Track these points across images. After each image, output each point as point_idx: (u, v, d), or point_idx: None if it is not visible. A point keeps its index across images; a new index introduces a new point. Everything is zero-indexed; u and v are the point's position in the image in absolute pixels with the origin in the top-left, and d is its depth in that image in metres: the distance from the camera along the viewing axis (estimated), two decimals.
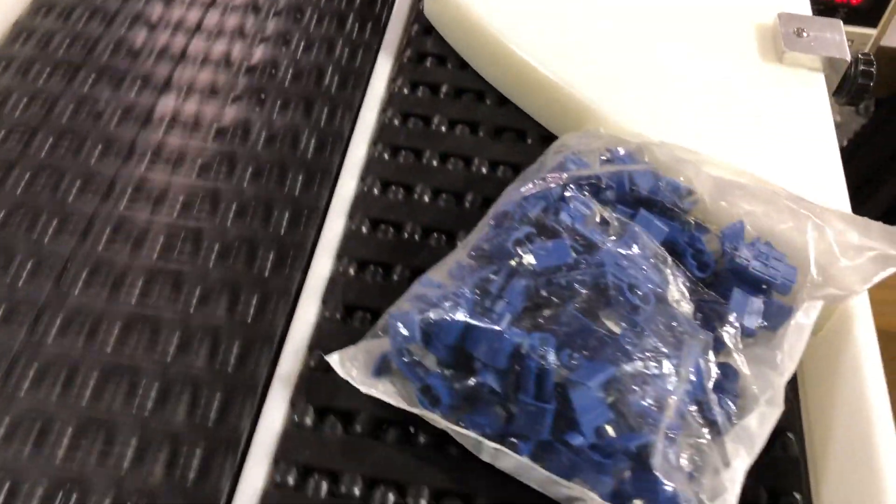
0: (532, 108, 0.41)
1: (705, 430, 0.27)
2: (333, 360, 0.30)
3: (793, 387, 0.32)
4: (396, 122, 0.41)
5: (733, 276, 0.30)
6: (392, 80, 0.44)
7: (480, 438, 0.28)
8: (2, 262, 0.36)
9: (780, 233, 0.32)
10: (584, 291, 0.28)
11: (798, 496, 0.29)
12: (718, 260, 0.31)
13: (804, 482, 0.30)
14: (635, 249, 0.30)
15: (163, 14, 0.48)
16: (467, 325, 0.28)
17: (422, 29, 0.46)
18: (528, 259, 0.30)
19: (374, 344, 0.30)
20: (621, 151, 0.34)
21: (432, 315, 0.29)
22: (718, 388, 0.28)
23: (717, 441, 0.27)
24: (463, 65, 0.44)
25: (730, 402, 0.28)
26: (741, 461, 0.27)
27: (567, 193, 0.32)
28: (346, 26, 0.48)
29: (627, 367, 0.27)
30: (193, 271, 0.36)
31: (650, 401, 0.27)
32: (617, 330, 0.28)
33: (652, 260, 0.30)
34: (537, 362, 0.27)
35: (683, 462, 0.26)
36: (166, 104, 0.43)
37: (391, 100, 0.42)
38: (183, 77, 0.45)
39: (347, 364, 0.30)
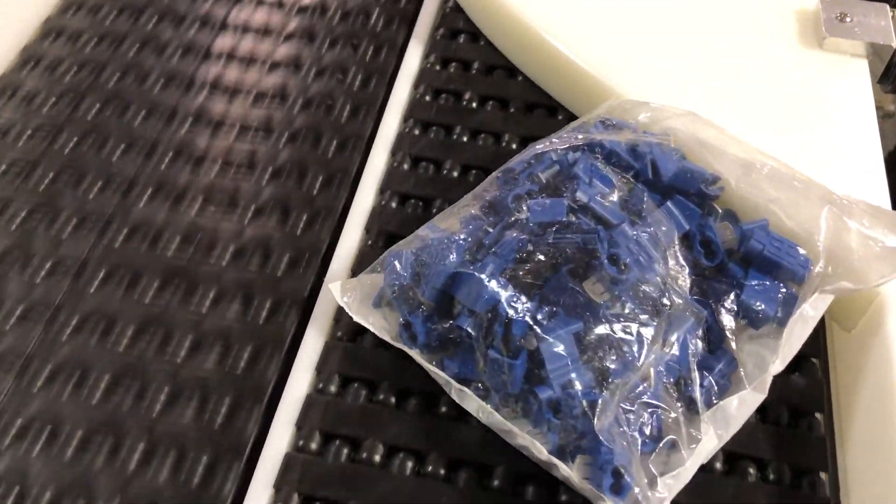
0: (563, 95, 0.41)
1: (678, 405, 0.27)
2: (335, 287, 0.32)
3: (823, 369, 0.32)
4: (428, 97, 0.41)
5: (746, 261, 0.30)
6: (425, 57, 0.44)
7: (449, 378, 0.28)
8: (21, 261, 0.36)
9: (804, 221, 0.30)
10: (569, 252, 0.29)
11: (823, 475, 0.29)
12: (733, 249, 0.30)
13: (831, 462, 0.30)
14: (644, 236, 0.30)
15: None
16: (455, 270, 0.29)
17: (456, 5, 0.46)
18: (525, 213, 0.30)
19: (373, 278, 0.31)
20: (648, 137, 0.33)
21: (425, 256, 0.30)
22: (707, 367, 0.28)
23: (690, 417, 0.27)
24: None
25: (714, 382, 0.28)
26: (709, 440, 0.27)
27: (581, 163, 0.32)
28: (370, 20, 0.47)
29: (599, 329, 0.27)
30: (229, 228, 0.37)
31: (615, 364, 0.27)
32: (595, 294, 0.28)
33: (655, 242, 0.30)
34: (510, 312, 0.27)
35: (641, 430, 0.26)
36: (208, 70, 0.44)
37: (423, 76, 0.42)
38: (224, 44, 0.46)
39: (346, 293, 0.31)
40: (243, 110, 0.42)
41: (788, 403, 0.31)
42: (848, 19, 0.40)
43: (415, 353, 0.29)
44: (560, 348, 0.26)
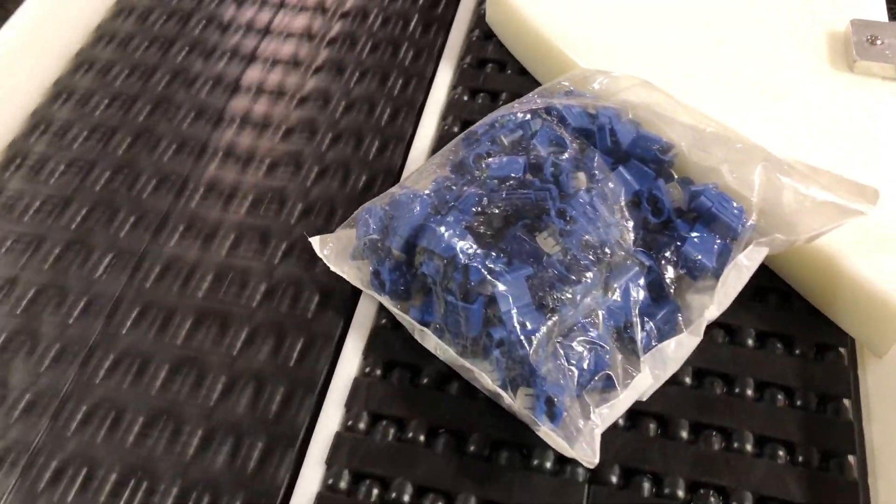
0: None
1: (618, 345, 0.30)
2: (315, 241, 0.35)
3: (850, 355, 0.33)
4: (456, 129, 0.41)
5: (691, 218, 0.32)
6: (452, 87, 0.44)
7: (412, 321, 0.32)
8: (83, 256, 0.38)
9: (744, 179, 0.32)
10: (523, 206, 0.32)
11: (852, 458, 0.30)
12: (682, 208, 0.33)
13: (859, 445, 0.31)
14: (593, 193, 0.32)
15: None
16: (419, 223, 0.32)
17: (482, 34, 0.46)
18: (484, 171, 0.33)
19: (348, 233, 0.35)
20: (606, 108, 0.36)
21: (393, 211, 0.33)
22: (651, 314, 0.31)
23: (629, 357, 0.30)
24: (522, 71, 0.44)
25: (655, 327, 0.30)
26: (645, 378, 0.29)
27: (541, 124, 0.35)
28: (409, 28, 0.48)
29: (545, 274, 0.30)
30: (277, 226, 0.38)
31: (556, 304, 0.29)
32: (547, 246, 0.30)
33: (603, 199, 0.32)
34: (466, 260, 0.30)
35: (580, 365, 0.29)
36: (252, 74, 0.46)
37: (450, 107, 0.42)
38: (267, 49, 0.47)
39: (325, 247, 0.35)
40: (272, 144, 0.42)
41: (816, 390, 0.32)
42: (879, 42, 0.40)
43: (384, 300, 0.33)
44: (509, 291, 0.29)
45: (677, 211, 0.33)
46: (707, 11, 0.42)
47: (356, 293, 0.35)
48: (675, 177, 0.34)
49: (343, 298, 0.36)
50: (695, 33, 0.41)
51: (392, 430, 0.31)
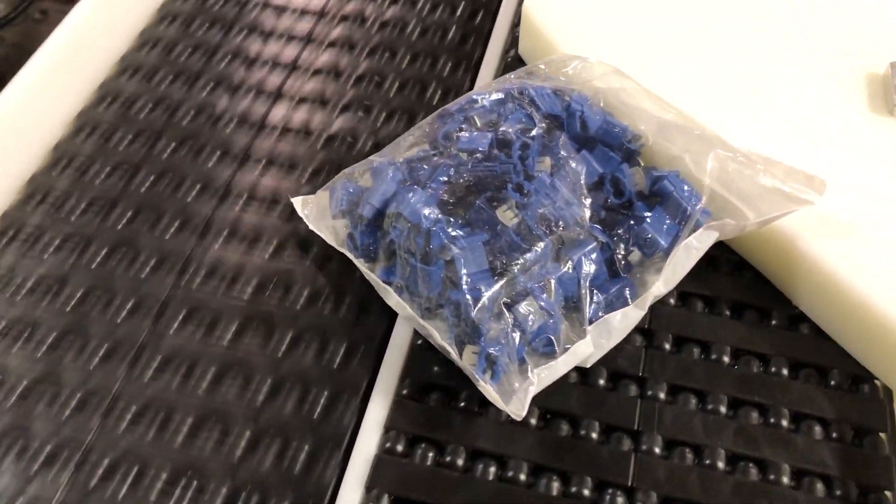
0: None
1: (564, 312, 0.32)
2: (296, 201, 0.39)
3: (886, 391, 0.33)
4: None
5: (651, 200, 0.34)
6: None
7: (378, 280, 0.34)
8: (130, 258, 0.39)
9: (700, 166, 0.34)
10: (486, 179, 0.34)
11: (889, 494, 0.30)
12: (643, 191, 0.34)
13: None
14: (556, 173, 0.34)
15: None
16: (391, 190, 0.34)
17: (513, 60, 0.46)
18: (454, 143, 0.36)
19: (326, 196, 0.37)
20: (579, 96, 0.37)
21: (369, 178, 0.36)
22: (604, 287, 0.32)
23: (573, 324, 0.31)
24: None
25: (603, 300, 0.32)
26: (586, 345, 0.31)
27: (513, 106, 0.37)
28: (437, 66, 0.48)
29: (500, 241, 0.32)
30: (301, 272, 0.38)
31: (505, 268, 0.31)
32: (506, 219, 0.32)
33: (565, 179, 0.34)
34: (430, 226, 0.32)
35: (524, 327, 0.30)
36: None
37: None
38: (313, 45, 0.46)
39: (306, 207, 0.38)
40: (313, 151, 0.43)
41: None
42: None
43: (359, 263, 0.35)
44: (466, 255, 0.31)
45: (639, 194, 0.34)
46: (745, 51, 0.42)
47: (392, 313, 0.36)
48: (641, 163, 0.35)
49: (381, 310, 0.36)
50: (733, 72, 0.41)
51: (431, 454, 0.31)
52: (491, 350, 0.30)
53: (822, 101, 0.40)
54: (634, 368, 0.34)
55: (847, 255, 0.34)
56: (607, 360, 0.33)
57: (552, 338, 0.31)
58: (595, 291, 0.32)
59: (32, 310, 0.37)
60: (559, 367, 0.31)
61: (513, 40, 0.47)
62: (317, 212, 0.38)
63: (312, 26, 0.50)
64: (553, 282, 0.31)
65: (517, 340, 0.30)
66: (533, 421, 0.32)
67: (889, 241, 0.34)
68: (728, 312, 0.36)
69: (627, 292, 0.32)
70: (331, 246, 0.37)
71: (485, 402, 0.32)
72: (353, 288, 0.37)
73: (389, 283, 0.34)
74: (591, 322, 0.32)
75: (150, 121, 0.45)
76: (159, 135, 0.44)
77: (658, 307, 0.35)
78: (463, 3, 0.51)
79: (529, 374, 0.30)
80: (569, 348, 0.31)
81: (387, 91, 0.46)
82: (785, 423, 0.32)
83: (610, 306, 0.32)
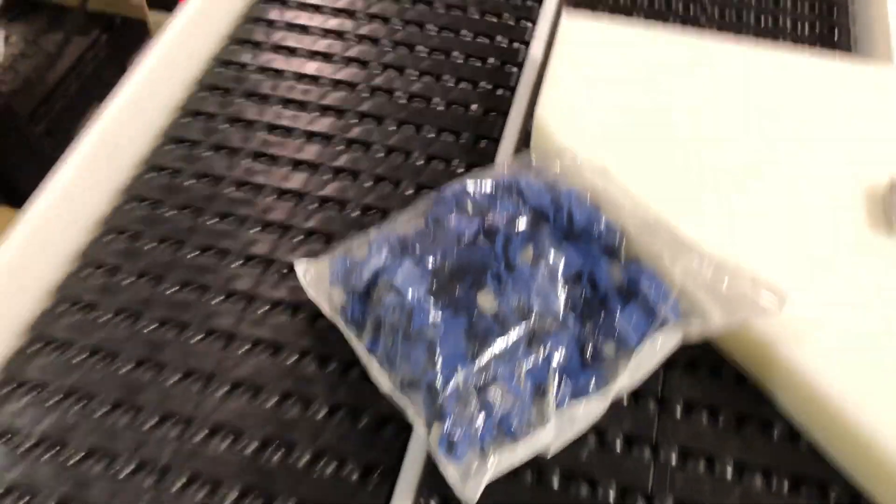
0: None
1: (530, 398, 0.33)
2: (298, 265, 0.40)
3: None
4: None
5: (626, 296, 0.36)
6: None
7: (363, 350, 0.36)
8: (200, 291, 0.42)
9: (674, 272, 0.36)
10: (470, 265, 0.36)
11: None
12: (620, 286, 0.36)
13: None
14: (537, 265, 0.36)
15: None
16: (382, 265, 0.37)
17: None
18: (444, 227, 0.38)
19: (325, 264, 0.40)
20: (569, 191, 0.39)
21: (364, 253, 0.38)
22: (573, 375, 0.34)
23: (537, 411, 0.33)
24: None
25: (571, 388, 0.34)
26: (547, 433, 0.33)
27: (500, 198, 0.39)
28: (451, 165, 0.48)
29: (480, 325, 0.34)
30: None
31: (479, 353, 0.33)
32: (486, 303, 0.35)
33: (544, 271, 0.36)
34: (414, 305, 0.35)
35: (488, 410, 0.32)
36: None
37: None
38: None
39: (307, 273, 0.40)
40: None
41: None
42: None
43: (348, 331, 0.37)
44: (445, 338, 0.33)
45: (616, 289, 0.36)
46: (740, 160, 0.42)
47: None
48: (622, 259, 0.37)
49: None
50: (733, 185, 0.41)
51: None
52: (456, 430, 0.32)
53: (816, 221, 0.40)
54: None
55: (836, 371, 0.35)
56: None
57: (516, 424, 0.32)
58: (564, 380, 0.34)
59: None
60: (518, 453, 0.33)
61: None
62: (317, 278, 0.40)
63: (345, 95, 0.53)
64: (524, 369, 0.33)
65: (482, 424, 0.32)
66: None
67: (880, 362, 0.35)
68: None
69: (593, 383, 0.34)
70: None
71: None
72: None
73: (374, 354, 0.36)
74: (556, 409, 0.33)
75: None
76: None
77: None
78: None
79: (490, 458, 0.32)
80: (530, 434, 0.32)
81: (401, 193, 0.47)
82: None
83: (576, 396, 0.34)
